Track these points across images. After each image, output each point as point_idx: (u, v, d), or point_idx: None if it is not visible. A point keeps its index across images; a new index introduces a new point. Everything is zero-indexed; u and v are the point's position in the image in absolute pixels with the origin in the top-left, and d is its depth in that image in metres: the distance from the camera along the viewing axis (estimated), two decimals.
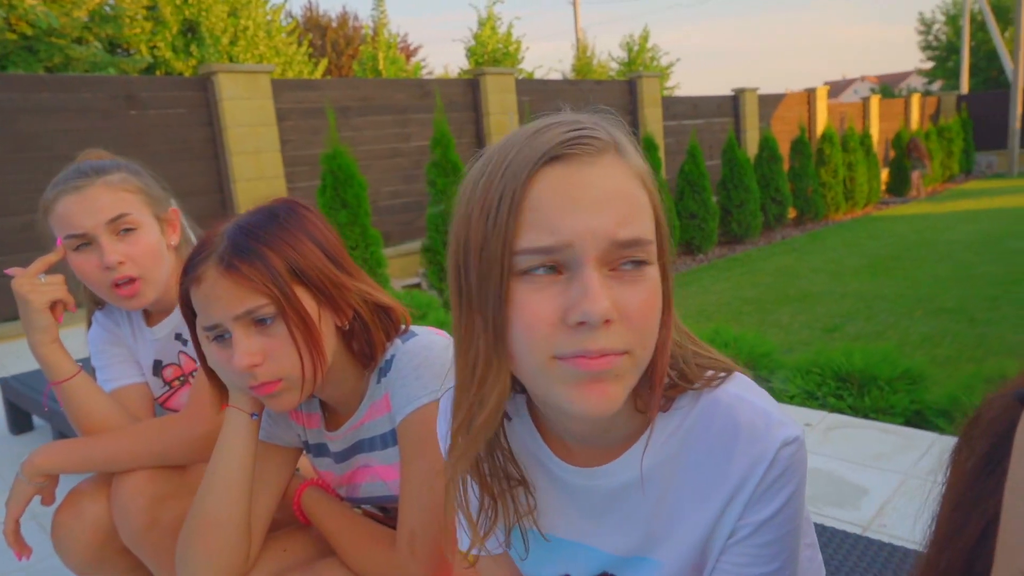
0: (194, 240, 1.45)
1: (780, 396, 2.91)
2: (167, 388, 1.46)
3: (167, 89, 6.24)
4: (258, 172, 6.53)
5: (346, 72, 19.70)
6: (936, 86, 30.14)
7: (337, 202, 5.94)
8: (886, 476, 2.05)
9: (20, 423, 3.18)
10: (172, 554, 1.16)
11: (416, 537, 0.96)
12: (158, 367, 1.45)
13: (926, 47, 30.56)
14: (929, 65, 31.10)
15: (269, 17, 15.41)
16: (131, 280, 1.27)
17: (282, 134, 6.76)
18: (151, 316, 1.45)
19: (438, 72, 22.21)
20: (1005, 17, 25.41)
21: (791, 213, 10.55)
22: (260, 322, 0.90)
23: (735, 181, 9.41)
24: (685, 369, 0.67)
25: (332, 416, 1.12)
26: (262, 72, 6.52)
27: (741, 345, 3.27)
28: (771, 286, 6.66)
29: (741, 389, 0.68)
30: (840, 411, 2.71)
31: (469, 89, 8.32)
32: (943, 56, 29.70)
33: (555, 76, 22.24)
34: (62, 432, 2.66)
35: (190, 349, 1.42)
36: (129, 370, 1.43)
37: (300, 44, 16.57)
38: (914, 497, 1.93)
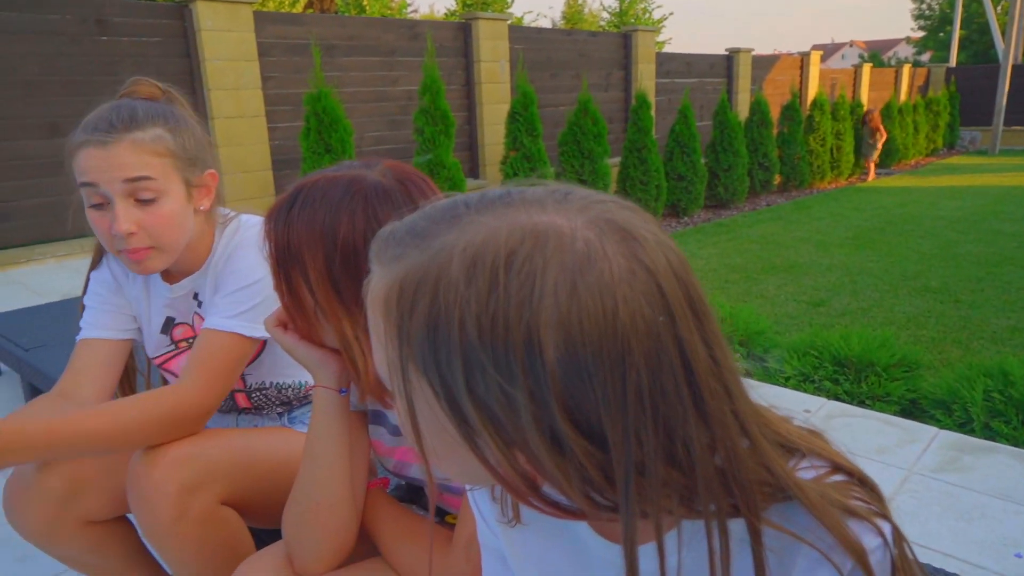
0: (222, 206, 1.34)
1: (776, 378, 2.86)
2: (172, 348, 1.36)
3: (142, 15, 5.87)
4: (238, 110, 6.22)
5: (328, 7, 18.94)
6: (925, 56, 30.04)
7: (321, 146, 5.71)
8: (890, 471, 2.02)
9: None
10: (199, 548, 1.09)
11: (475, 543, 0.90)
12: (169, 324, 1.35)
13: (919, 16, 30.36)
14: (920, 35, 30.95)
15: None
16: (142, 248, 1.17)
17: (263, 70, 6.43)
18: (170, 274, 1.33)
19: (424, 12, 21.45)
20: None
21: (776, 180, 10.49)
22: None
23: (724, 144, 9.27)
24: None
25: None
26: (244, 3, 6.16)
27: (736, 322, 3.21)
28: (757, 254, 6.62)
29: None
30: (837, 396, 2.67)
31: (460, 34, 7.99)
32: (935, 26, 29.54)
33: (544, 23, 21.67)
34: (33, 384, 2.51)
35: (204, 311, 1.32)
36: (117, 323, 1.31)
37: None
38: (918, 495, 1.90)
